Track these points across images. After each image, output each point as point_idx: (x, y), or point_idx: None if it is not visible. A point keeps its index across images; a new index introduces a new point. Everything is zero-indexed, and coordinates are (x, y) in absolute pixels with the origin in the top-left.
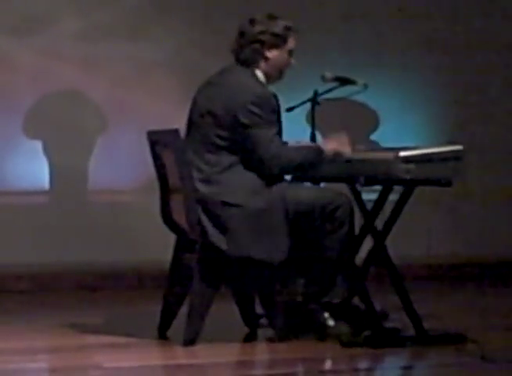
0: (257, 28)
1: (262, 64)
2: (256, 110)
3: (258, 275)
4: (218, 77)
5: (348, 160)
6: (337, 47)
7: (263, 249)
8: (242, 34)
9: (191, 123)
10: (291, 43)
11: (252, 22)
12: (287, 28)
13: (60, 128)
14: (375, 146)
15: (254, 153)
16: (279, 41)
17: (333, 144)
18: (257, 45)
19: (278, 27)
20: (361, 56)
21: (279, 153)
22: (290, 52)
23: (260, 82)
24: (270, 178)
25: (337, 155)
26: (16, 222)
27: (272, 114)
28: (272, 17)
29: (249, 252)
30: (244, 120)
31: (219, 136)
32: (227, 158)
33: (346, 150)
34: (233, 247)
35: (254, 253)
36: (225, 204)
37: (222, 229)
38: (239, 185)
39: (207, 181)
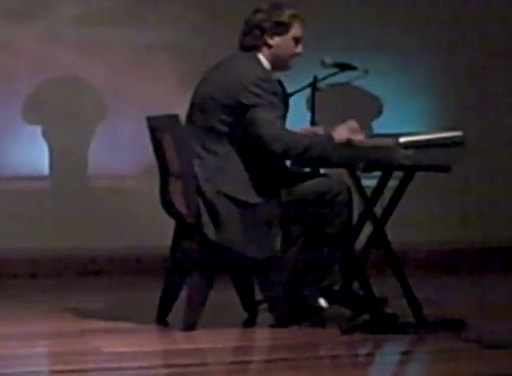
0: (260, 16)
1: (265, 51)
2: (257, 90)
3: (258, 260)
4: (222, 64)
5: (350, 146)
6: (337, 32)
7: (250, 244)
8: (246, 22)
9: (193, 108)
10: (296, 31)
11: (256, 10)
12: (292, 16)
13: (60, 114)
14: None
15: (256, 133)
16: (281, 28)
17: (345, 132)
18: (257, 32)
19: (281, 15)
20: (361, 41)
21: (283, 134)
22: (297, 40)
23: (262, 66)
24: (269, 167)
25: (349, 142)
26: (16, 207)
27: (274, 97)
28: (276, 6)
29: (235, 245)
30: (245, 100)
31: (221, 121)
32: (227, 147)
33: (358, 137)
34: (221, 238)
35: (240, 247)
36: (219, 193)
37: (214, 218)
38: (235, 177)
39: (205, 168)
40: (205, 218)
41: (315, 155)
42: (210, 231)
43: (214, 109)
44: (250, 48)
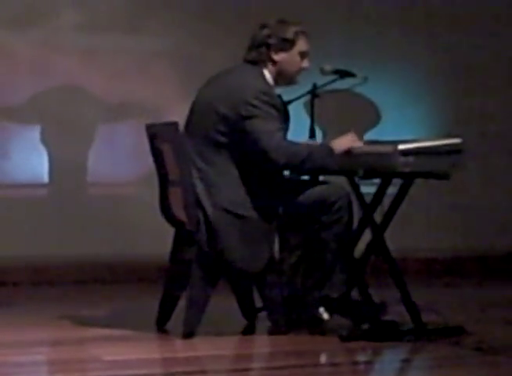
0: (266, 32)
1: (270, 66)
2: (256, 102)
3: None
4: (225, 74)
5: (348, 153)
6: (336, 40)
7: (242, 257)
8: (252, 37)
9: (192, 116)
10: (301, 46)
11: (263, 26)
12: (297, 32)
13: (60, 121)
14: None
15: (257, 145)
16: (286, 44)
17: (344, 143)
18: (263, 49)
19: (287, 31)
20: (360, 48)
21: (284, 144)
22: (302, 55)
23: (265, 80)
24: (267, 177)
25: (348, 152)
26: (15, 214)
27: (273, 110)
28: (282, 22)
29: (228, 258)
30: (245, 112)
31: (220, 132)
32: (225, 158)
33: (357, 144)
34: (214, 250)
35: (232, 260)
36: (217, 206)
37: (210, 231)
38: (233, 190)
39: (203, 180)
40: (202, 229)
41: (315, 165)
42: (203, 242)
43: (214, 119)
44: (254, 62)
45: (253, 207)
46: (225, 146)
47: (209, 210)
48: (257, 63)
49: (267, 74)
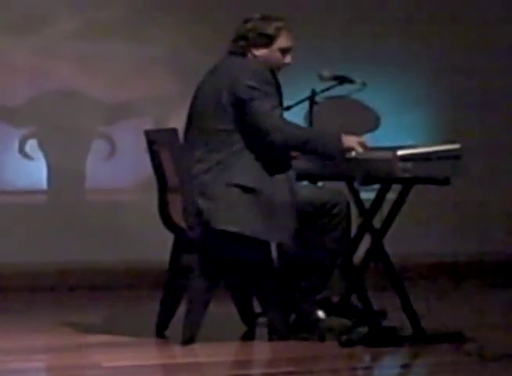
0: (248, 26)
1: (253, 58)
2: (252, 83)
3: (256, 273)
4: (217, 66)
5: (347, 159)
6: (335, 46)
7: (264, 228)
8: (236, 30)
9: (191, 119)
10: (282, 42)
11: (246, 20)
12: (278, 28)
13: (58, 127)
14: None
15: (256, 126)
16: (266, 40)
17: (354, 142)
18: (243, 42)
19: (268, 27)
20: (359, 54)
21: (281, 124)
22: (283, 51)
23: (255, 61)
24: (274, 165)
25: (349, 150)
26: (14, 221)
27: (269, 86)
28: (265, 17)
29: (245, 230)
30: (243, 95)
31: (222, 119)
32: (231, 144)
33: (360, 150)
34: (230, 224)
35: (254, 233)
36: (229, 185)
37: (224, 209)
38: (245, 168)
39: (210, 168)
40: (211, 212)
41: (315, 150)
42: (220, 223)
43: (216, 109)
44: (237, 53)
45: (268, 184)
46: (229, 133)
47: (219, 191)
48: (240, 54)
49: (253, 59)
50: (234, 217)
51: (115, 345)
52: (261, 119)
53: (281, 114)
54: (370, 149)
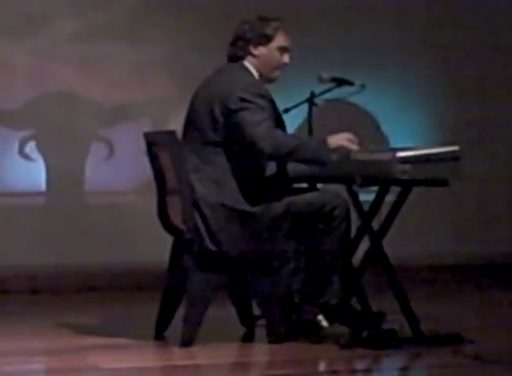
0: (245, 27)
1: (252, 60)
2: (243, 95)
3: (255, 277)
4: (213, 77)
5: (348, 159)
6: (334, 47)
7: (251, 250)
8: (233, 33)
9: (189, 123)
10: (279, 41)
11: (243, 22)
12: (275, 27)
13: (58, 130)
14: (384, 146)
15: (244, 136)
16: (264, 39)
17: (340, 140)
18: (241, 42)
19: (265, 26)
20: (358, 56)
21: (269, 133)
22: (282, 50)
23: (249, 73)
24: (266, 179)
25: (341, 148)
26: (13, 223)
27: (261, 99)
28: (262, 18)
29: (236, 253)
30: (234, 106)
31: (215, 131)
32: (224, 157)
33: (352, 146)
34: (221, 248)
35: (240, 254)
36: (218, 205)
37: (212, 230)
38: (233, 187)
39: (204, 180)
40: (203, 231)
41: (305, 156)
42: (209, 243)
43: (209, 121)
44: (236, 58)
45: (255, 203)
46: (222, 145)
47: (208, 210)
48: (239, 58)
49: (250, 66)
50: (223, 238)
51: (114, 347)
52: (249, 128)
53: (270, 125)
54: (369, 150)
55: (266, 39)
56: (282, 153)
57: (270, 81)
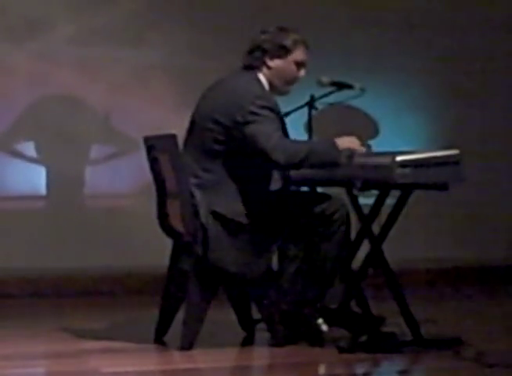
0: (263, 37)
1: (266, 71)
2: (253, 108)
3: (255, 279)
4: (222, 82)
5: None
6: (334, 51)
7: (242, 264)
8: (251, 41)
9: (192, 127)
10: (297, 55)
11: (263, 32)
12: (295, 41)
13: (58, 133)
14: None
15: (256, 148)
16: (282, 51)
17: (347, 142)
18: (258, 53)
19: (285, 38)
20: (358, 60)
21: (282, 143)
22: (299, 65)
23: (260, 84)
24: (265, 188)
25: (351, 151)
26: (13, 227)
27: (270, 112)
28: (282, 29)
29: (227, 266)
30: (241, 119)
31: (217, 141)
32: (223, 166)
33: (360, 148)
34: (213, 259)
35: (231, 267)
36: (212, 213)
37: (206, 239)
38: (229, 196)
39: (202, 187)
40: (199, 238)
41: (318, 160)
42: (201, 252)
43: (212, 128)
44: (250, 67)
45: (249, 214)
46: (222, 155)
47: (206, 217)
48: (253, 68)
49: (262, 78)
50: (218, 251)
51: (114, 351)
52: (261, 140)
53: (281, 136)
54: (368, 151)
55: (284, 52)
56: (295, 161)
57: (281, 94)
